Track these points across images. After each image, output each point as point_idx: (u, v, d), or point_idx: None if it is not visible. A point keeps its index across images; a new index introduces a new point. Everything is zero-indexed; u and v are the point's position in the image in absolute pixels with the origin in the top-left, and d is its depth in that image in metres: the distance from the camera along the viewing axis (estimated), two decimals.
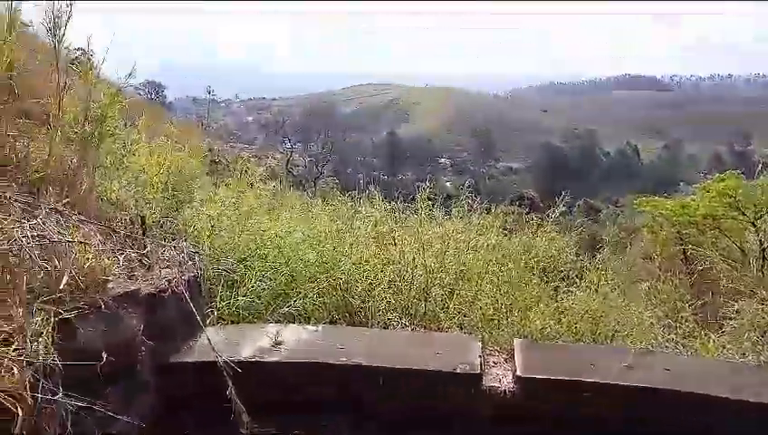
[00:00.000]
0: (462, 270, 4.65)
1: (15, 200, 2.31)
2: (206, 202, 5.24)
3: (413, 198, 5.65)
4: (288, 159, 30.63)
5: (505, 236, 5.76)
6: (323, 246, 4.70)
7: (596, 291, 4.71)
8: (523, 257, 5.27)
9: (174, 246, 3.18)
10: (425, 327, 4.07)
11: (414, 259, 4.57)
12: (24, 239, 2.04)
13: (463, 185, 5.66)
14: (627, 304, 4.55)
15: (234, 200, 5.25)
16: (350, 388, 2.93)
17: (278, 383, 2.92)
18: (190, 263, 3.07)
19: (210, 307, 3.63)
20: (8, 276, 1.97)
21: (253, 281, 4.11)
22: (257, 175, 7.07)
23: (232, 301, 3.91)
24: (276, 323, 3.69)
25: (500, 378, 3.00)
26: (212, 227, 4.68)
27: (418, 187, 5.60)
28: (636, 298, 5.11)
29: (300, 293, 4.20)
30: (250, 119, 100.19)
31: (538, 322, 4.03)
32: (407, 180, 68.82)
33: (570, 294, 4.86)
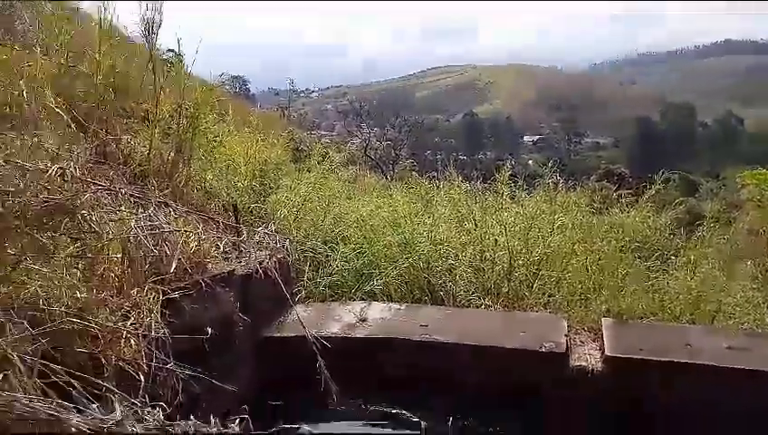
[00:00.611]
0: (547, 251, 4.53)
1: (130, 195, 2.56)
2: (291, 188, 5.47)
3: (494, 178, 5.56)
4: (366, 144, 30.97)
5: (593, 214, 5.54)
6: (403, 228, 4.77)
7: (694, 270, 4.43)
8: (613, 236, 5.06)
9: (263, 231, 3.36)
10: (508, 307, 4.04)
11: (496, 240, 4.52)
12: (137, 229, 2.26)
13: (546, 163, 5.47)
14: (729, 284, 4.25)
15: (316, 186, 5.43)
16: (433, 364, 2.98)
17: (364, 358, 3.03)
18: (279, 246, 3.24)
19: (298, 287, 3.82)
20: (126, 261, 2.19)
21: (337, 262, 4.26)
22: (337, 160, 7.25)
23: (318, 281, 4.09)
24: (361, 301, 3.82)
25: (587, 357, 2.93)
26: (297, 211, 4.89)
27: (498, 166, 5.50)
28: (740, 277, 4.75)
29: (382, 273, 4.31)
30: (329, 106, 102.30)
31: (629, 301, 3.87)
32: (487, 160, 67.51)
33: (665, 273, 4.62)
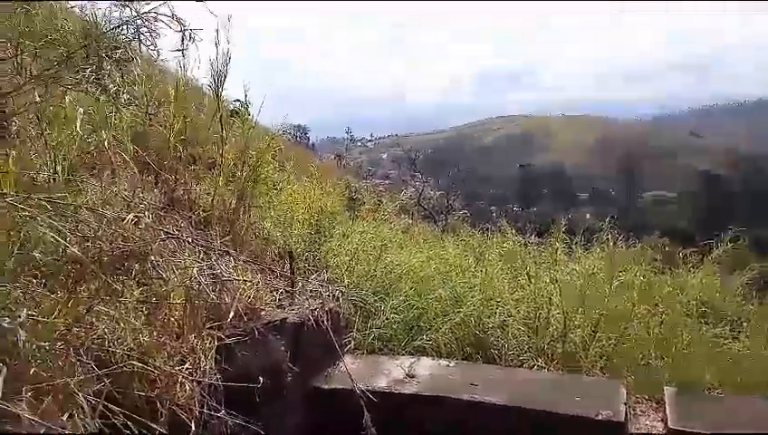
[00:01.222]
0: (605, 311, 4.37)
1: (196, 242, 2.70)
2: (345, 236, 5.56)
3: (549, 232, 5.46)
4: (420, 193, 31.16)
5: (655, 273, 5.32)
6: (455, 281, 4.73)
7: None
8: (677, 298, 4.82)
9: (316, 280, 3.43)
10: (562, 369, 3.88)
11: (551, 298, 4.41)
12: (200, 276, 2.37)
13: (605, 217, 5.34)
14: None
15: (369, 235, 5.50)
16: (481, 426, 2.89)
17: (411, 415, 2.98)
18: (330, 295, 3.29)
19: (348, 337, 3.83)
20: (187, 307, 2.29)
21: (387, 313, 4.26)
22: (391, 209, 7.34)
23: (367, 332, 4.09)
24: (409, 355, 3.78)
25: (648, 428, 2.76)
26: (349, 260, 4.96)
27: (554, 219, 5.41)
28: None
29: (432, 326, 4.26)
30: (384, 156, 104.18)
31: (695, 369, 3.64)
32: (542, 213, 66.27)
33: (735, 340, 4.34)
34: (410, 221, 10.08)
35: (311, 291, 3.37)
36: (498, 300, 4.57)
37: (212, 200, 4.48)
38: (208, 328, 2.41)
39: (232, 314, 2.44)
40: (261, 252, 4.67)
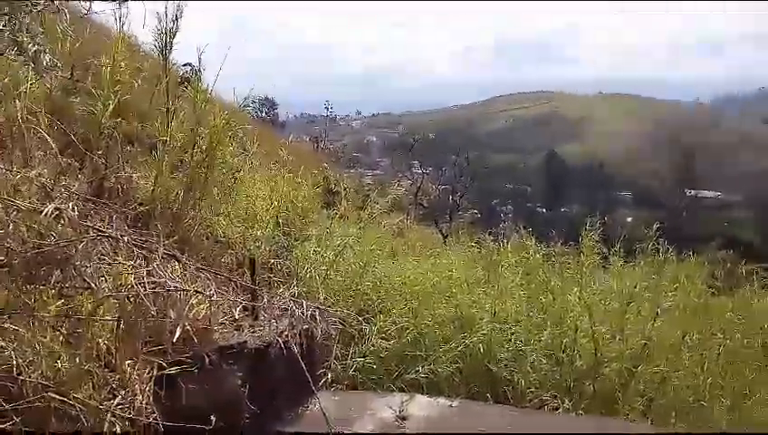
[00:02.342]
0: (648, 341, 4.41)
1: (133, 243, 2.69)
2: (322, 240, 5.57)
3: (579, 240, 5.50)
4: (418, 188, 31.20)
5: (713, 294, 5.37)
6: (459, 299, 4.76)
7: None
8: (739, 325, 4.89)
9: (285, 293, 3.44)
10: (593, 412, 3.92)
11: (579, 323, 4.45)
12: (138, 286, 2.37)
13: (650, 223, 5.39)
14: None
15: (353, 239, 5.51)
16: None
17: None
18: (302, 314, 3.30)
19: (324, 367, 3.84)
20: (121, 326, 2.29)
21: (373, 338, 4.28)
22: (381, 206, 7.35)
23: (349, 361, 4.10)
24: (401, 391, 3.79)
25: None
26: (327, 270, 4.97)
27: (586, 224, 5.44)
28: None
29: (430, 356, 4.28)
30: (373, 138, 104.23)
31: (758, 415, 3.69)
32: (571, 215, 66.64)
33: None
34: (405, 222, 10.12)
35: (278, 308, 3.37)
36: (513, 324, 4.60)
37: (153, 191, 4.47)
38: (146, 353, 2.41)
39: (177, 335, 2.44)
40: (215, 257, 4.68)
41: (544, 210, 76.67)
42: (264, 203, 5.67)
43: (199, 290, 2.77)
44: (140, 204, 4.38)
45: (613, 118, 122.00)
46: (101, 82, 4.38)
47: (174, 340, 2.45)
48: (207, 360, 2.68)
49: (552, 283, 5.05)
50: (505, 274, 5.44)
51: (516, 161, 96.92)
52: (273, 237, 5.29)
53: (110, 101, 4.34)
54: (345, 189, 10.40)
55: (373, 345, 4.25)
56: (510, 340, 4.43)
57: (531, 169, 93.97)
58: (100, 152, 4.38)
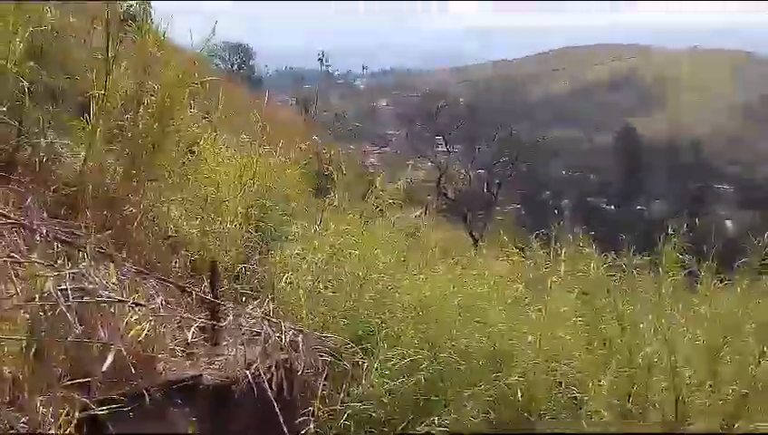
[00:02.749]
0: (750, 388, 4.40)
1: (53, 236, 2.69)
2: (308, 239, 5.56)
3: (658, 247, 5.47)
4: (442, 172, 31.20)
5: None
6: (493, 326, 4.76)
7: None
8: None
9: (256, 311, 3.45)
10: None
11: (655, 362, 4.44)
12: (57, 293, 2.37)
13: (757, 227, 5.35)
14: None
15: (351, 239, 5.51)
16: None
17: None
18: (280, 338, 3.31)
19: (306, 412, 3.84)
20: (31, 349, 2.29)
21: (375, 374, 4.27)
22: (390, 197, 7.33)
23: (340, 405, 4.09)
24: None
25: None
26: (315, 280, 4.97)
27: (669, 226, 5.39)
28: None
29: (451, 401, 4.28)
30: (383, 103, 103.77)
31: None
32: (650, 214, 66.22)
33: None
34: (424, 219, 10.12)
35: (246, 331, 3.38)
36: (565, 361, 4.59)
37: (83, 167, 4.48)
38: (66, 387, 2.41)
39: (108, 362, 2.44)
40: (163, 259, 4.68)
41: (613, 207, 75.76)
42: (232, 188, 5.67)
43: (141, 302, 2.78)
44: (66, 184, 4.38)
45: (712, 82, 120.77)
46: (8, 19, 4.36)
47: (104, 369, 2.45)
48: (149, 398, 2.68)
49: (620, 307, 5.03)
50: (556, 293, 5.42)
51: (577, 139, 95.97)
52: (243, 235, 5.29)
53: (21, 40, 4.33)
54: (343, 172, 10.41)
55: (373, 385, 4.24)
56: (560, 383, 4.42)
57: (596, 151, 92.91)
58: (5, 110, 4.37)
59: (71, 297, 2.50)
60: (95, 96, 4.58)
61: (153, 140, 4.71)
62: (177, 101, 4.81)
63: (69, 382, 2.48)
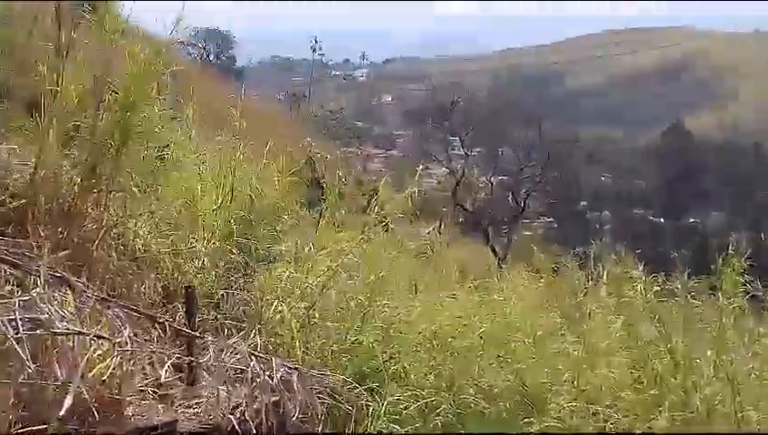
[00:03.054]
0: None
1: (1, 260, 2.71)
2: (300, 259, 5.57)
3: (716, 268, 5.45)
4: (459, 180, 31.26)
5: None
6: (522, 361, 4.75)
7: None
8: None
9: (241, 345, 3.45)
10: None
11: (715, 404, 4.43)
12: (4, 325, 2.38)
13: None
14: None
15: (351, 259, 5.50)
16: None
17: None
18: (270, 377, 3.31)
19: None
20: None
21: (382, 418, 4.26)
22: (398, 209, 7.33)
23: None
24: None
25: None
26: (309, 308, 4.97)
27: (730, 243, 5.37)
28: None
29: None
30: (387, 98, 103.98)
31: None
32: (706, 228, 66.02)
33: None
34: (437, 234, 10.13)
35: (229, 368, 3.38)
36: (609, 404, 4.58)
37: (34, 175, 4.49)
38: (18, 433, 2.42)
39: (67, 406, 2.44)
40: (130, 284, 4.68)
41: (661, 220, 75.34)
42: (211, 197, 5.68)
43: (104, 335, 2.78)
44: (13, 196, 4.39)
45: None
46: None
47: (61, 414, 2.45)
48: None
49: (673, 339, 5.02)
50: (597, 322, 5.42)
51: (617, 139, 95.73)
52: (224, 256, 5.30)
53: None
54: (341, 181, 10.42)
55: (381, 432, 4.24)
56: (604, 428, 4.41)
57: (641, 153, 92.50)
58: None
59: (20, 329, 2.50)
60: (46, 93, 4.58)
61: (115, 144, 4.69)
62: (143, 97, 4.80)
63: (21, 430, 2.48)
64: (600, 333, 5.23)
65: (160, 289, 4.76)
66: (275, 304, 4.90)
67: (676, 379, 4.76)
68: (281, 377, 3.43)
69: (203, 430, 3.08)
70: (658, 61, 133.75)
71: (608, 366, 4.86)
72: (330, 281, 5.14)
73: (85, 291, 3.02)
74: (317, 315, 4.95)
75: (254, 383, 3.25)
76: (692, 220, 72.55)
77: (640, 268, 5.67)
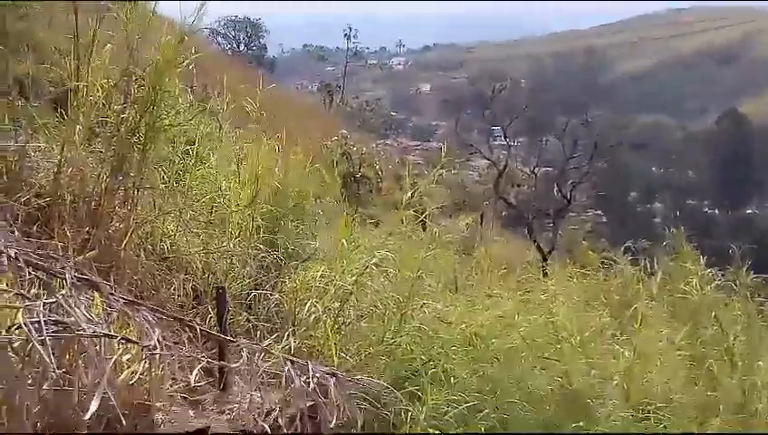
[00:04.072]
0: None
1: (22, 259, 2.73)
2: (335, 258, 5.56)
3: None
4: (501, 172, 31.03)
5: None
6: (569, 364, 4.72)
7: None
8: None
9: (273, 348, 3.46)
10: None
11: None
12: (30, 327, 2.40)
13: None
14: None
15: (387, 256, 5.49)
16: None
17: None
18: (306, 382, 3.31)
19: None
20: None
21: (422, 424, 4.26)
22: (436, 202, 7.30)
23: None
24: None
25: None
26: (342, 308, 4.97)
27: None
28: None
29: None
30: (426, 88, 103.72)
31: None
32: (766, 220, 65.15)
33: None
34: (479, 229, 10.11)
35: (262, 372, 3.39)
36: (662, 409, 4.55)
37: (58, 173, 4.51)
38: None
39: (92, 411, 2.46)
40: (159, 285, 4.70)
41: (717, 211, 74.50)
42: (241, 191, 5.68)
43: (132, 338, 2.80)
44: (38, 195, 4.41)
45: None
46: None
47: (87, 418, 2.47)
48: None
49: (732, 339, 4.98)
50: (650, 321, 5.38)
51: (669, 127, 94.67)
52: (255, 254, 5.30)
53: None
54: (378, 174, 10.44)
55: None
56: (656, 433, 4.39)
57: (694, 141, 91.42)
58: None
59: (44, 332, 2.51)
60: (71, 87, 4.60)
61: (143, 138, 4.70)
62: (169, 89, 4.80)
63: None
64: (652, 332, 5.19)
65: (190, 290, 4.77)
66: (308, 304, 4.90)
67: (732, 380, 4.73)
68: (317, 381, 3.43)
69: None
70: (715, 42, 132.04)
71: (661, 369, 4.82)
72: (364, 279, 5.13)
73: (113, 293, 3.04)
74: (352, 315, 4.95)
75: (289, 388, 3.26)
76: (749, 211, 71.69)
77: (699, 263, 5.61)
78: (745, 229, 56.64)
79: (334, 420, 3.49)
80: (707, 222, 65.48)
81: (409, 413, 4.32)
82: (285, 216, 5.84)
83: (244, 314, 4.77)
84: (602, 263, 6.69)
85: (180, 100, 5.13)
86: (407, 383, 4.59)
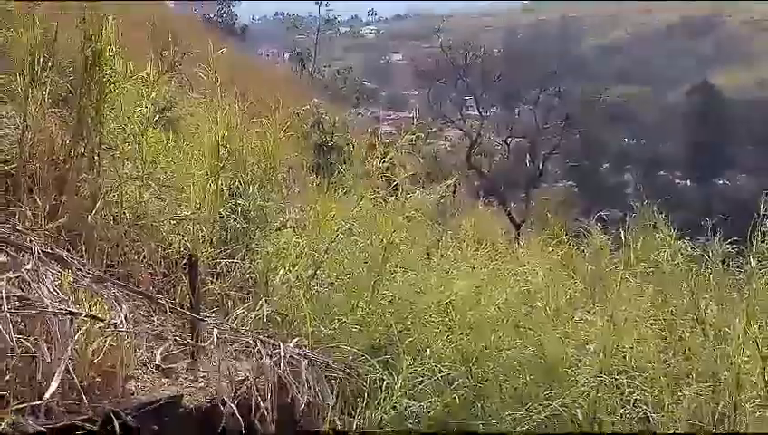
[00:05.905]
0: None
1: None
2: (306, 226, 5.54)
3: (749, 233, 5.42)
4: (474, 141, 30.98)
5: None
6: (544, 332, 4.73)
7: None
8: None
9: (246, 318, 3.43)
10: None
11: (746, 375, 4.41)
12: None
13: None
14: None
15: (359, 224, 5.47)
16: None
17: None
18: (276, 352, 3.29)
19: None
20: None
21: (397, 393, 4.25)
22: (408, 172, 7.29)
23: (355, 430, 4.08)
24: None
25: None
26: (314, 276, 4.95)
27: (762, 205, 5.32)
28: None
29: (493, 424, 4.26)
30: (399, 57, 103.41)
31: None
32: (736, 190, 65.64)
33: None
34: (454, 199, 10.10)
35: (232, 343, 3.37)
36: (635, 374, 4.56)
37: (22, 139, 4.45)
38: (5, 412, 2.41)
39: (52, 390, 2.42)
40: (126, 254, 4.66)
41: (688, 182, 74.80)
42: (210, 157, 5.63)
43: (97, 315, 2.76)
44: (2, 161, 4.36)
45: None
46: None
47: (50, 392, 2.43)
48: (117, 422, 2.67)
49: (703, 307, 5.00)
50: (623, 290, 5.38)
51: (642, 98, 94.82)
52: (226, 220, 5.27)
53: None
54: (349, 142, 10.39)
55: (395, 407, 4.23)
56: (629, 401, 4.40)
57: (667, 112, 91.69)
58: None
59: (9, 307, 2.48)
60: (33, 46, 4.54)
61: (109, 103, 4.65)
62: (136, 50, 4.77)
63: (12, 407, 2.47)
64: (625, 302, 5.20)
65: (160, 259, 4.74)
66: (280, 269, 4.88)
67: (704, 349, 4.74)
68: (286, 352, 3.41)
69: (206, 404, 3.07)
70: (688, 14, 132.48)
71: (633, 336, 4.84)
72: (334, 245, 5.11)
73: (81, 269, 3.00)
74: (325, 283, 4.93)
75: (259, 360, 3.25)
76: (721, 182, 72.12)
77: (670, 232, 5.62)
78: (717, 201, 56.97)
79: (305, 391, 3.48)
80: (680, 193, 65.88)
81: (384, 381, 4.31)
82: (253, 182, 5.81)
83: (217, 281, 4.74)
84: (575, 235, 6.69)
85: (146, 66, 5.06)
86: (381, 352, 4.58)
